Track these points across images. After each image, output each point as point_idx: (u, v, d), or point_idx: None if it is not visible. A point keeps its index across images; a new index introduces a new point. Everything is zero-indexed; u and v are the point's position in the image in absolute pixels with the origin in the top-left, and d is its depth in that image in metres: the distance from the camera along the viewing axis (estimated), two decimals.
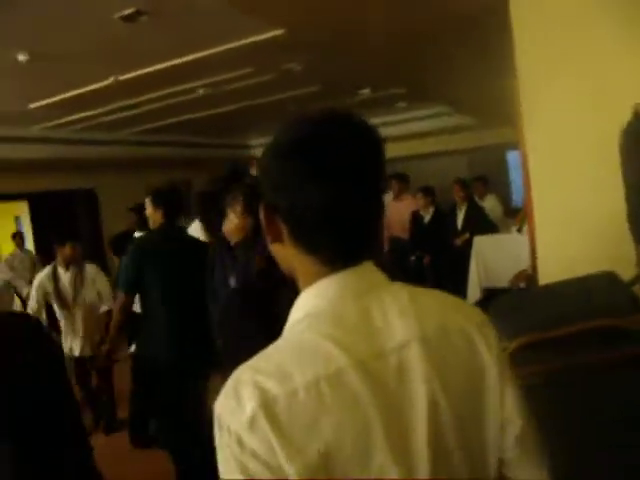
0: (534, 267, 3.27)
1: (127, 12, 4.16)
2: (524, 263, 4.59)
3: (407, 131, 10.92)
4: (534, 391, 1.84)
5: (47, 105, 6.76)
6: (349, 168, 0.88)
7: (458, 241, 7.21)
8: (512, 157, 12.15)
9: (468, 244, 6.93)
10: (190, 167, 12.26)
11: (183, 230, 4.17)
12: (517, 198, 11.59)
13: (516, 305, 2.41)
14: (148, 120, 8.70)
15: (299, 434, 0.78)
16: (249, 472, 0.78)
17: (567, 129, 2.99)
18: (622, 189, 2.35)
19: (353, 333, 0.85)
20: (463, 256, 6.82)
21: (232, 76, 6.44)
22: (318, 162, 0.87)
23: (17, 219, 11.03)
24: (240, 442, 0.78)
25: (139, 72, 5.81)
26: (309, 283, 0.91)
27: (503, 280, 5.62)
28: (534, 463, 0.96)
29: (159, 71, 5.78)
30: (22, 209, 9.95)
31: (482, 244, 6.78)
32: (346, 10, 3.90)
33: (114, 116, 7.90)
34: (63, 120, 7.91)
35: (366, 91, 8.57)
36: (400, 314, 0.89)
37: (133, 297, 3.92)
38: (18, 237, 8.89)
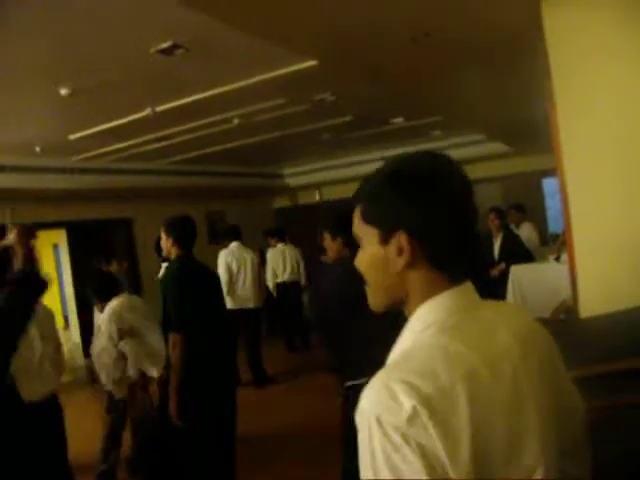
0: (575, 298, 3.18)
1: (164, 46, 4.25)
2: (563, 293, 4.48)
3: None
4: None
5: (86, 136, 6.91)
6: (468, 197, 1.06)
7: (495, 271, 7.07)
8: (548, 184, 11.98)
9: (504, 274, 6.81)
10: (224, 197, 12.38)
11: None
12: (554, 226, 11.41)
13: (559, 338, 2.33)
14: (183, 150, 8.83)
15: (454, 430, 0.85)
16: (413, 467, 0.83)
17: (606, 156, 2.93)
18: None
19: (474, 338, 0.98)
20: (500, 286, 6.70)
21: (265, 106, 6.51)
22: (450, 191, 1.03)
23: (55, 247, 11.24)
24: (405, 437, 0.84)
25: (175, 103, 5.91)
26: (426, 296, 1.03)
27: (541, 311, 5.49)
28: (587, 452, 1.17)
29: (194, 102, 5.87)
30: (61, 238, 10.13)
31: (519, 273, 6.66)
32: (378, 40, 3.91)
33: (150, 146, 8.04)
34: (101, 151, 8.08)
35: (399, 120, 8.58)
36: (500, 323, 1.05)
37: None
38: None
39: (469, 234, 1.06)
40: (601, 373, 1.94)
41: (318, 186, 13.82)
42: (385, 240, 1.03)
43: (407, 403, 0.84)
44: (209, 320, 3.72)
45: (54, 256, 12.04)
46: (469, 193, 1.07)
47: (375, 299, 1.11)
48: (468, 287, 1.06)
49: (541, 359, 1.06)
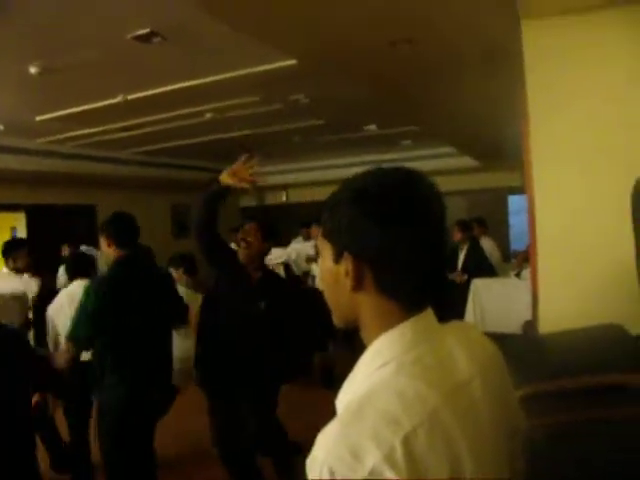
0: (535, 314, 3.21)
1: (141, 32, 4.18)
2: (523, 308, 4.54)
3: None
4: (536, 444, 1.78)
5: (54, 118, 6.76)
6: (432, 219, 0.97)
7: (458, 278, 7.11)
8: (513, 201, 12.17)
9: (466, 286, 6.88)
10: (191, 191, 12.25)
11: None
12: (516, 243, 11.59)
13: (519, 353, 2.35)
14: (153, 141, 8.72)
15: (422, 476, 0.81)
16: None
17: (576, 175, 2.97)
18: (632, 241, 2.30)
19: (434, 372, 0.93)
20: (460, 298, 6.77)
21: (239, 102, 6.47)
22: (408, 213, 0.94)
23: (13, 229, 10.96)
24: None
25: (148, 92, 5.83)
26: (383, 327, 0.96)
27: (501, 325, 5.57)
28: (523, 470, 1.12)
29: (168, 92, 5.80)
30: (19, 221, 9.88)
31: (480, 287, 6.74)
32: (358, 43, 3.91)
33: (120, 134, 7.92)
34: (68, 135, 7.92)
35: (372, 127, 8.62)
36: (461, 352, 0.99)
37: None
38: None
39: (434, 259, 0.97)
40: (558, 389, 1.95)
41: (285, 187, 13.82)
42: (337, 258, 0.98)
43: (367, 460, 0.79)
44: (142, 327, 3.26)
45: (11, 238, 11.72)
46: (438, 214, 0.98)
47: (333, 314, 1.06)
48: (428, 315, 0.99)
49: (498, 383, 1.05)
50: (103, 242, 3.42)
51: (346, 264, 0.97)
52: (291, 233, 10.12)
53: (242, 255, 3.54)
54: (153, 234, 8.32)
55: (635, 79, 2.87)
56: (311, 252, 8.99)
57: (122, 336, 3.18)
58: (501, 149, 8.96)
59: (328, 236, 1.02)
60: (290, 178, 13.13)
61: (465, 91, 5.43)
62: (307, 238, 9.24)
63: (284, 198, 14.17)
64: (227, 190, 3.32)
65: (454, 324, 1.09)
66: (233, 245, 9.65)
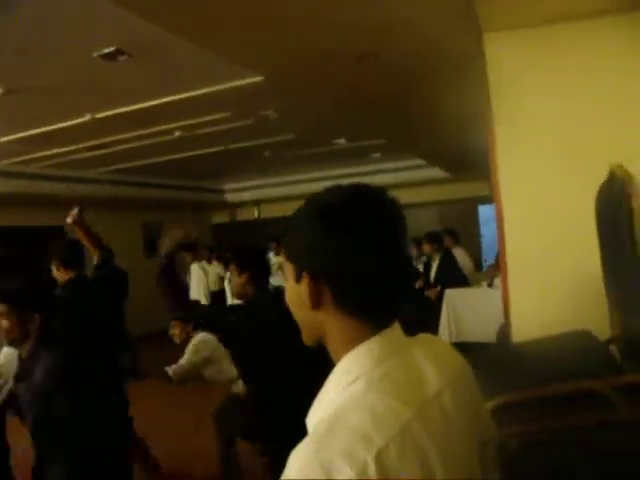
0: (507, 323, 3.24)
1: (107, 50, 4.15)
2: (496, 317, 4.57)
3: (380, 182, 10.97)
4: (510, 454, 1.79)
5: (18, 139, 6.66)
6: (395, 236, 0.97)
7: (431, 294, 7.15)
8: (483, 211, 12.31)
9: (439, 297, 6.92)
10: (162, 209, 12.18)
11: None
12: (487, 252, 11.72)
13: (492, 363, 2.37)
14: (122, 160, 8.65)
15: None
16: None
17: (542, 184, 3.03)
18: (598, 249, 2.35)
19: (403, 387, 0.92)
20: (433, 309, 6.80)
21: (209, 120, 6.45)
22: (371, 229, 0.94)
23: None
24: None
25: (115, 111, 5.78)
26: (349, 345, 0.96)
27: (475, 334, 5.60)
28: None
29: (136, 111, 5.76)
30: None
31: (453, 297, 6.78)
32: (324, 58, 3.94)
33: (88, 154, 7.83)
34: (35, 155, 7.80)
35: (341, 141, 8.67)
36: (429, 365, 0.99)
37: None
38: None
39: (393, 274, 0.97)
40: (530, 398, 1.97)
41: (257, 203, 13.81)
42: (298, 278, 0.99)
43: (340, 478, 0.78)
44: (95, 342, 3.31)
45: None
46: (400, 231, 0.98)
47: (302, 333, 1.06)
48: (394, 331, 0.99)
49: (467, 395, 1.05)
50: (55, 268, 3.54)
51: (304, 283, 0.97)
52: (265, 249, 10.09)
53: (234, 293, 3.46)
54: (124, 253, 8.22)
55: (594, 81, 2.95)
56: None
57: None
58: (470, 159, 9.07)
59: (289, 256, 1.02)
60: (262, 193, 13.13)
61: (432, 103, 5.50)
62: (277, 253, 9.24)
63: (256, 214, 14.14)
64: None
65: (421, 338, 1.09)
66: (204, 263, 9.62)
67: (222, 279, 9.35)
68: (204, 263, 9.71)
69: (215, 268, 9.74)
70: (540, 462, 1.88)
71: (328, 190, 1.02)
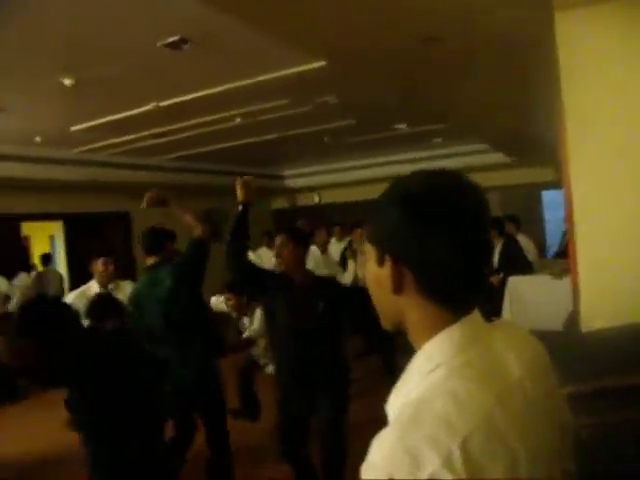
0: (577, 312, 3.15)
1: (171, 40, 4.23)
2: (564, 305, 4.46)
3: (442, 166, 10.84)
4: (581, 444, 1.74)
5: (88, 128, 6.88)
6: (476, 221, 0.96)
7: (494, 280, 7.00)
8: (548, 196, 12.00)
9: (502, 284, 6.78)
10: (223, 195, 12.34)
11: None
12: (552, 238, 11.43)
13: (561, 351, 2.31)
14: (185, 147, 8.81)
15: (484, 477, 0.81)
16: None
17: (615, 170, 2.91)
18: None
19: (485, 374, 0.92)
20: (496, 295, 6.67)
21: (269, 106, 6.50)
22: (452, 215, 0.93)
23: (52, 238, 11.19)
24: None
25: (179, 99, 5.89)
26: (430, 331, 0.96)
27: (541, 323, 5.47)
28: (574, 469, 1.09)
29: (198, 98, 5.85)
30: (57, 229, 10.09)
31: (517, 285, 6.63)
32: (388, 45, 3.89)
33: (152, 141, 8.02)
34: (102, 144, 8.05)
35: (402, 126, 8.58)
36: (509, 351, 0.99)
37: None
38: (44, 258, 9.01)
39: (475, 260, 0.97)
40: (602, 389, 1.91)
41: (317, 189, 13.83)
42: (380, 261, 0.99)
43: (426, 465, 0.79)
44: None
45: (50, 247, 11.96)
46: (481, 216, 0.97)
47: (380, 317, 1.07)
48: (475, 317, 0.99)
49: (546, 382, 1.04)
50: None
51: (387, 267, 0.97)
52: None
53: (283, 268, 3.59)
54: (188, 238, 8.39)
55: None
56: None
57: None
58: (535, 144, 8.83)
59: (371, 239, 1.02)
60: (321, 179, 13.13)
61: (498, 86, 5.36)
62: (340, 238, 9.19)
63: (316, 199, 14.17)
64: (246, 207, 3.43)
65: (501, 324, 1.08)
66: (265, 249, 9.69)
67: None
68: (264, 249, 9.81)
69: (270, 253, 9.81)
70: (611, 455, 1.82)
71: (412, 175, 1.01)
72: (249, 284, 3.80)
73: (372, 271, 1.03)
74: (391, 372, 5.32)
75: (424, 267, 0.95)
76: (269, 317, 3.67)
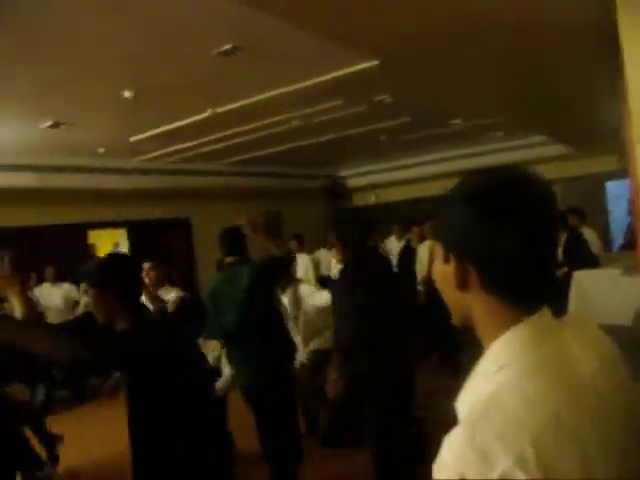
0: None
1: (225, 48, 4.30)
2: (633, 300, 4.31)
3: (497, 161, 10.66)
4: None
5: (147, 138, 7.07)
6: (542, 215, 0.94)
7: (559, 273, 6.80)
8: (613, 187, 11.61)
9: (567, 278, 6.58)
10: (281, 197, 12.47)
11: None
12: (617, 230, 11.05)
13: (629, 346, 2.23)
14: (241, 152, 8.93)
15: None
16: None
17: None
18: None
19: (556, 371, 0.90)
20: (562, 291, 6.48)
21: (324, 108, 6.52)
22: (516, 209, 0.92)
23: (116, 245, 11.53)
24: None
25: (235, 105, 5.98)
26: (499, 329, 0.95)
27: (605, 317, 5.29)
28: None
29: (254, 103, 5.93)
30: (121, 236, 10.39)
31: (583, 280, 6.43)
32: (442, 41, 3.84)
33: (209, 148, 8.16)
34: (162, 152, 8.26)
35: (457, 121, 8.47)
36: (581, 348, 0.96)
37: None
38: None
39: (545, 256, 0.96)
40: None
41: (374, 188, 13.78)
42: (445, 258, 1.00)
43: (498, 464, 0.79)
44: None
45: None
46: (547, 210, 0.96)
47: (451, 313, 1.07)
48: (545, 314, 0.97)
49: (619, 378, 1.01)
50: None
51: (451, 264, 0.98)
52: (382, 234, 10.08)
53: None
54: (248, 241, 8.48)
55: None
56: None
57: None
58: (596, 133, 8.57)
59: (438, 237, 1.04)
60: (378, 178, 13.09)
61: (559, 76, 5.22)
62: (400, 237, 9.10)
63: (373, 199, 14.13)
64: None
65: (571, 319, 1.05)
66: (324, 251, 9.62)
67: None
68: (323, 251, 9.75)
69: (329, 254, 9.72)
70: None
71: (477, 171, 1.02)
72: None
73: (439, 268, 1.03)
74: (456, 370, 5.29)
75: (488, 263, 0.94)
76: None
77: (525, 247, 0.92)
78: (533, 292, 0.96)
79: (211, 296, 3.88)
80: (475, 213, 0.94)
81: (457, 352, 6.05)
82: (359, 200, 14.42)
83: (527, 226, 0.92)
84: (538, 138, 10.26)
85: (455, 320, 1.06)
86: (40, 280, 7.80)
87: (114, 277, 2.36)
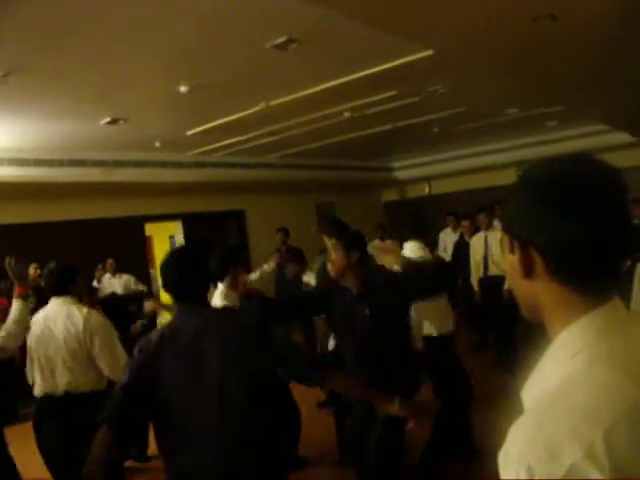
0: None
1: (279, 41, 4.31)
2: None
3: (555, 152, 10.34)
4: None
5: (202, 131, 7.18)
6: (605, 203, 0.91)
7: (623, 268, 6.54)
8: None
9: (631, 270, 6.36)
10: (334, 189, 12.47)
11: None
12: None
13: None
14: (295, 144, 8.97)
15: (627, 473, 0.77)
16: None
17: None
18: None
19: (630, 364, 0.87)
20: (626, 283, 6.26)
21: (376, 99, 6.48)
22: (577, 196, 0.90)
23: (172, 238, 11.75)
24: None
25: (288, 98, 5.99)
26: (568, 318, 0.93)
27: None
28: None
29: (306, 96, 5.93)
30: (177, 229, 10.58)
31: None
32: (497, 26, 3.77)
33: (263, 140, 8.23)
34: (216, 145, 8.37)
35: (514, 110, 8.29)
36: None
37: None
38: None
39: (610, 242, 0.92)
40: None
41: (427, 179, 13.65)
42: (511, 248, 0.99)
43: (567, 457, 0.76)
44: None
45: (170, 247, 12.57)
46: (612, 194, 0.93)
47: (520, 304, 1.05)
48: (616, 305, 0.94)
49: None
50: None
51: (516, 252, 0.97)
52: (436, 225, 9.98)
53: (333, 273, 3.52)
54: (300, 233, 8.57)
55: None
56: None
57: None
58: None
59: (504, 227, 1.03)
60: (431, 169, 12.93)
61: (618, 61, 5.05)
62: (455, 228, 8.97)
63: (427, 190, 13.99)
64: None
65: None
66: (378, 241, 9.60)
67: None
68: (377, 241, 9.73)
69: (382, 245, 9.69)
70: None
71: (540, 160, 1.01)
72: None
73: (507, 259, 1.02)
74: (512, 363, 5.16)
75: (552, 250, 0.93)
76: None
77: (586, 232, 0.90)
78: (601, 280, 0.94)
79: None
80: (534, 198, 0.94)
81: (512, 348, 5.94)
82: (412, 191, 14.30)
83: (588, 211, 0.90)
84: (598, 127, 9.95)
85: (524, 312, 1.04)
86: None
87: None
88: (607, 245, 0.91)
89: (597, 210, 0.90)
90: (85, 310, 3.47)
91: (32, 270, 5.83)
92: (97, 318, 3.50)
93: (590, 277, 0.93)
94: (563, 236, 0.90)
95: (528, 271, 0.96)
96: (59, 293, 3.50)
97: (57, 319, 3.42)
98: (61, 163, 7.56)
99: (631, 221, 0.96)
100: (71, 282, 3.55)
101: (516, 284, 1.02)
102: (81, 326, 3.36)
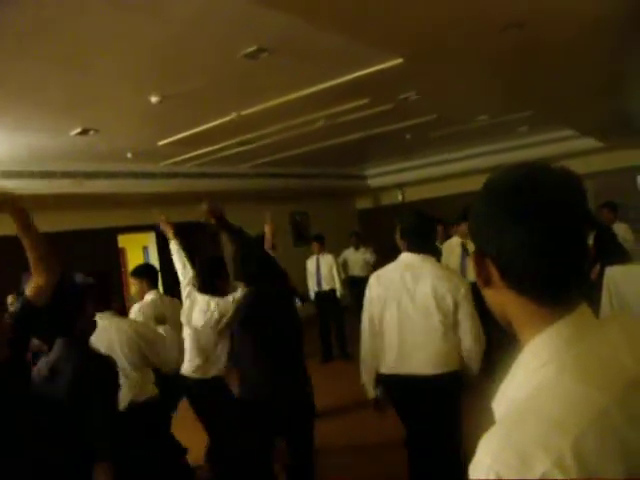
0: None
1: (249, 50, 4.30)
2: None
3: (525, 157, 10.51)
4: None
5: (174, 142, 7.13)
6: (559, 211, 0.91)
7: (593, 274, 6.64)
8: None
9: (600, 276, 6.45)
10: (307, 198, 12.47)
11: None
12: None
13: None
14: (267, 153, 8.95)
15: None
16: None
17: None
18: None
19: (599, 371, 0.87)
20: (593, 289, 6.35)
21: (349, 107, 6.50)
22: (527, 205, 0.90)
23: (145, 249, 11.63)
24: None
25: (259, 107, 5.98)
26: (536, 327, 0.93)
27: None
28: None
29: (278, 105, 5.92)
30: (150, 240, 10.47)
31: (615, 276, 6.29)
32: (467, 35, 3.81)
33: (234, 150, 8.20)
34: (188, 155, 8.31)
35: (484, 117, 8.38)
36: (625, 347, 0.92)
37: None
38: None
39: (565, 252, 0.91)
40: None
41: (400, 186, 13.72)
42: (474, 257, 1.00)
43: (537, 467, 0.76)
44: None
45: (144, 258, 12.44)
46: (567, 205, 0.91)
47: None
48: (584, 312, 0.94)
49: None
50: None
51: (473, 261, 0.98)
52: None
53: None
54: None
55: None
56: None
57: None
58: (630, 124, 8.41)
59: (469, 234, 1.04)
60: (404, 177, 13.02)
61: (587, 68, 5.13)
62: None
63: (400, 197, 14.07)
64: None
65: (613, 318, 1.02)
66: (352, 250, 9.60)
67: (369, 265, 9.30)
68: (351, 250, 9.71)
69: (361, 254, 9.69)
70: None
71: (499, 169, 1.00)
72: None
73: (472, 266, 1.03)
74: (491, 370, 5.14)
75: (500, 258, 0.94)
76: None
77: (529, 239, 0.90)
78: (558, 289, 0.93)
79: None
80: (486, 208, 0.95)
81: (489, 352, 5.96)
82: (386, 199, 14.37)
83: (531, 218, 0.90)
84: (565, 132, 10.11)
85: (498, 319, 1.04)
86: None
87: None
88: (553, 252, 0.91)
89: (539, 216, 0.90)
90: None
91: (10, 299, 5.61)
92: None
93: (543, 285, 0.93)
94: (509, 244, 0.91)
95: (486, 281, 0.97)
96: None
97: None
98: (31, 175, 7.43)
99: (586, 228, 0.95)
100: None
101: (484, 293, 1.03)
102: None
